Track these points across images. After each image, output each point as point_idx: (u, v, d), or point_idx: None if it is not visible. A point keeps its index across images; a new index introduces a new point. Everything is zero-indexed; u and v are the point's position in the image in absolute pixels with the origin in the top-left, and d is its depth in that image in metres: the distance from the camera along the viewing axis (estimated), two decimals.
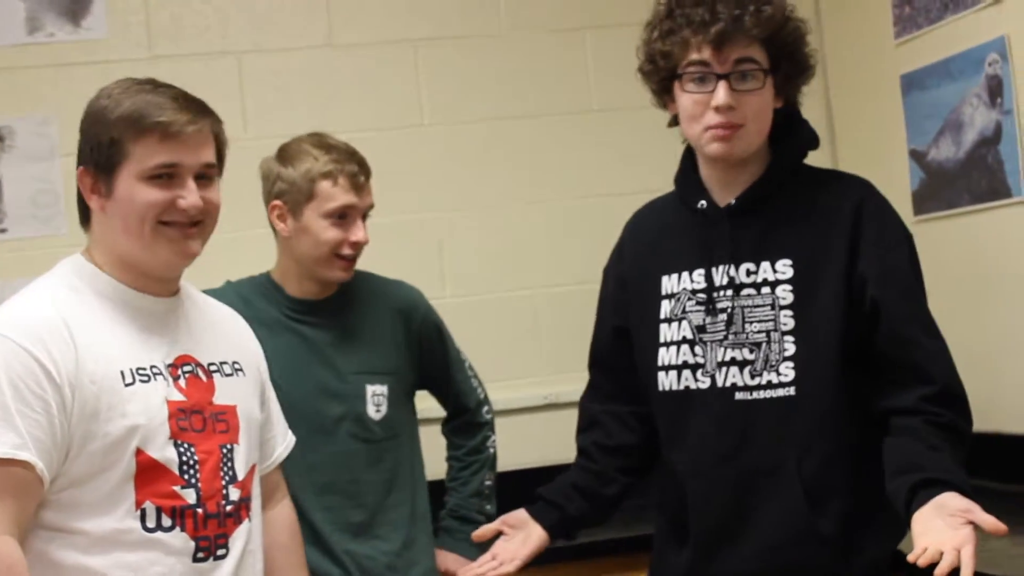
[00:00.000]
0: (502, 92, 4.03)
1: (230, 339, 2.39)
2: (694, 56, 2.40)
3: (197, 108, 2.20)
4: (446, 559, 3.01)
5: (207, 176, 2.21)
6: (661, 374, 2.51)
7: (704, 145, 2.45)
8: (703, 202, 2.51)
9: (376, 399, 2.90)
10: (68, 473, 2.08)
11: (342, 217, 2.83)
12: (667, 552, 2.57)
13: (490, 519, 2.96)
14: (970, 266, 3.52)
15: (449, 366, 3.10)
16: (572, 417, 3.44)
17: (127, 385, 2.12)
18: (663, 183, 4.02)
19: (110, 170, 2.16)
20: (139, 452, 2.11)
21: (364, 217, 2.89)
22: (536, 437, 3.72)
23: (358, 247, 2.86)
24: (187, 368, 2.23)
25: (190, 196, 2.17)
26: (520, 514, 2.58)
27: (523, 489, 3.19)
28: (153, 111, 2.14)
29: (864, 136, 3.99)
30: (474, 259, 3.98)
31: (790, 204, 2.47)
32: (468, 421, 3.15)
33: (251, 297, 2.88)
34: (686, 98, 2.43)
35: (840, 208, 2.43)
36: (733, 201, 2.48)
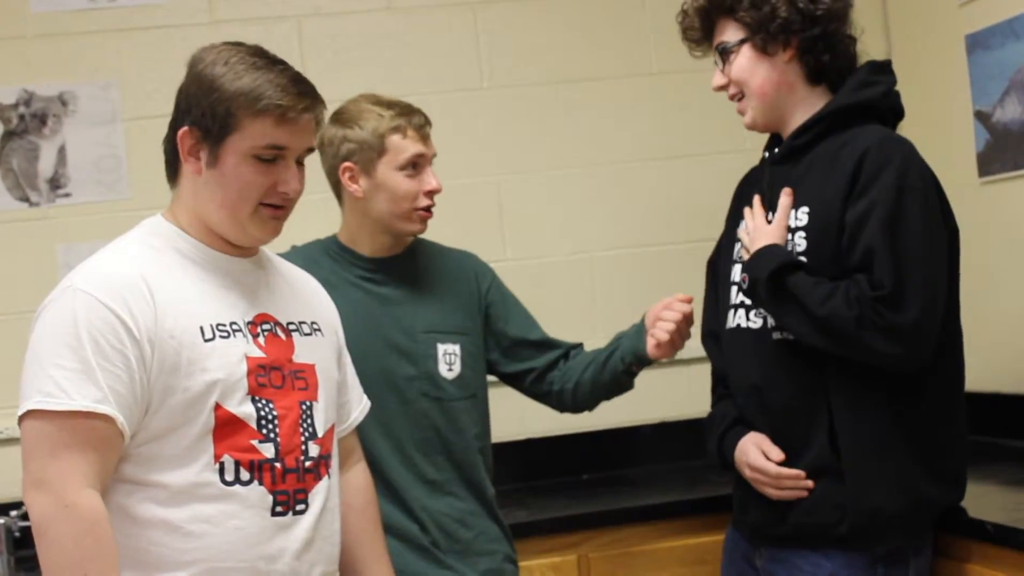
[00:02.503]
0: (561, 55, 4.02)
1: (308, 300, 2.43)
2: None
3: (311, 93, 2.23)
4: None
5: (302, 160, 2.27)
6: (730, 312, 2.72)
7: None
8: (766, 153, 2.78)
9: (448, 358, 2.91)
10: (148, 427, 2.12)
11: (415, 167, 2.86)
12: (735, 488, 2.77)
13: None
14: None
15: (530, 320, 3.08)
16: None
17: (207, 340, 2.16)
18: (721, 146, 4.02)
19: (219, 139, 2.18)
20: (218, 407, 2.14)
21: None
22: None
23: (433, 195, 2.89)
24: (266, 326, 2.26)
25: (292, 182, 2.23)
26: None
27: (583, 451, 3.21)
28: (274, 93, 2.17)
29: (928, 97, 3.94)
30: (533, 222, 3.98)
31: (822, 156, 2.63)
32: (567, 352, 3.07)
33: (319, 259, 2.90)
34: None
35: (849, 159, 2.55)
36: (775, 151, 2.73)
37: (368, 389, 2.67)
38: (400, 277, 2.93)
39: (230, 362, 2.17)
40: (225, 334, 2.18)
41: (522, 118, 3.99)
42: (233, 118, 2.16)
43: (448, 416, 2.91)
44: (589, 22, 4.02)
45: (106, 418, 2.05)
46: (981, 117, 3.62)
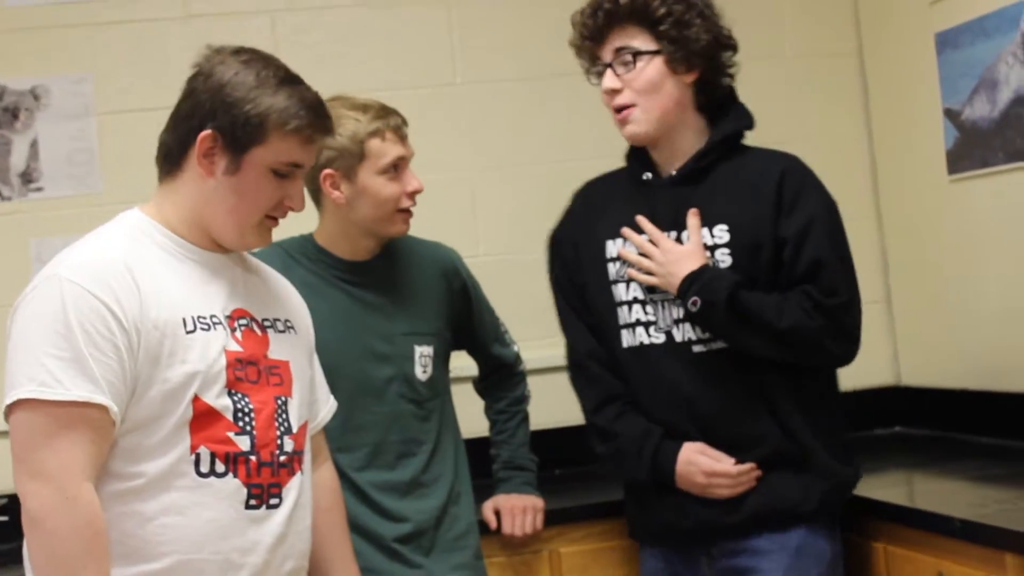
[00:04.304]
0: (535, 50, 4.02)
1: (282, 299, 2.44)
2: (596, 55, 2.78)
3: (329, 116, 2.30)
4: (506, 500, 3.13)
5: None
6: (624, 332, 2.77)
7: (619, 129, 2.81)
8: (648, 174, 2.81)
9: (423, 360, 2.93)
10: (129, 418, 2.12)
11: (396, 169, 2.86)
12: (650, 502, 2.79)
13: (537, 466, 3.13)
14: (1005, 225, 3.50)
15: (487, 323, 3.15)
16: None
17: (188, 332, 2.16)
18: None
19: (243, 148, 2.20)
20: (196, 399, 2.15)
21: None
22: (567, 396, 3.72)
23: (415, 196, 2.89)
24: (243, 321, 2.27)
25: (297, 199, 2.28)
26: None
27: (556, 446, 3.22)
28: (307, 115, 2.22)
29: (898, 95, 3.97)
30: (507, 219, 3.99)
31: (725, 176, 2.75)
32: (509, 374, 3.21)
33: (299, 257, 2.90)
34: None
35: (766, 179, 2.71)
36: (674, 172, 2.77)
37: (345, 390, 2.69)
38: (378, 280, 2.94)
39: (210, 355, 2.17)
40: (206, 327, 2.19)
41: (496, 114, 4.00)
42: (263, 131, 2.19)
43: (422, 416, 2.93)
44: (562, 18, 3.98)
45: (101, 408, 2.06)
46: (950, 115, 3.65)
